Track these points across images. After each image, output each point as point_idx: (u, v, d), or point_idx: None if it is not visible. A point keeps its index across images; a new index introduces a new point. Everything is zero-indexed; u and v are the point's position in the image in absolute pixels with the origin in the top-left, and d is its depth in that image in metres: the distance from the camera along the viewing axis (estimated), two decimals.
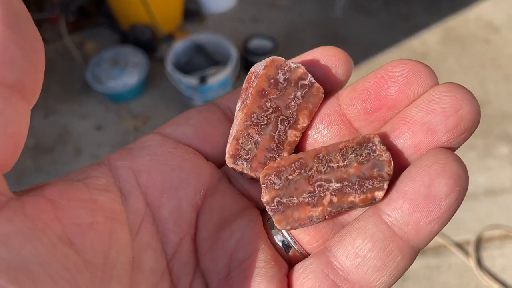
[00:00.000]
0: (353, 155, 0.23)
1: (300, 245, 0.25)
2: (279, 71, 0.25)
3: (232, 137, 0.25)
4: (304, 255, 0.25)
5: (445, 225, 0.21)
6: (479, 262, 0.88)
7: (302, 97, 0.25)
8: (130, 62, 1.17)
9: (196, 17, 1.33)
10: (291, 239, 0.25)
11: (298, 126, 0.25)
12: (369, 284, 0.22)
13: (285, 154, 0.25)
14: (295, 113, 0.25)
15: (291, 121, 0.25)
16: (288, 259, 0.25)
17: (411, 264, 0.22)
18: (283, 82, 0.25)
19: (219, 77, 1.10)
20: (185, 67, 1.13)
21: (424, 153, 0.22)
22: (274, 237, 0.25)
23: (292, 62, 0.25)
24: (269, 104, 0.25)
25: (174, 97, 1.16)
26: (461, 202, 0.21)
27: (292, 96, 0.25)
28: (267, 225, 0.26)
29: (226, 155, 0.25)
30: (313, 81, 0.25)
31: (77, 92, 1.20)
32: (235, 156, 0.25)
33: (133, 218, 0.22)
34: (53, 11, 1.27)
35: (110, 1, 1.22)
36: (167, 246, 0.23)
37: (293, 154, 0.24)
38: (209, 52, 1.17)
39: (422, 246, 0.21)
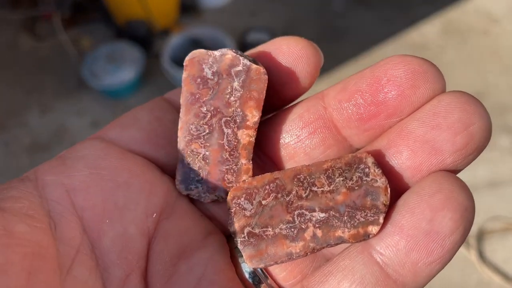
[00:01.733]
0: (341, 178, 0.19)
1: (273, 281, 0.21)
2: (204, 66, 0.20)
3: (178, 160, 0.21)
4: None
5: (445, 266, 0.17)
6: (481, 255, 0.87)
7: (242, 87, 0.20)
8: (126, 57, 1.16)
9: (193, 11, 1.31)
10: (263, 274, 0.21)
11: (247, 123, 0.20)
12: None
13: (243, 161, 0.21)
14: (239, 109, 0.20)
15: (238, 120, 0.20)
16: None
17: None
18: (212, 77, 0.20)
19: None
20: (182, 62, 1.12)
21: (424, 178, 0.18)
22: (243, 269, 0.21)
23: (218, 50, 0.20)
24: (205, 108, 0.20)
25: None
26: (465, 239, 0.17)
27: (229, 90, 0.20)
28: (234, 252, 0.21)
29: (176, 182, 0.21)
30: (248, 63, 0.20)
31: (73, 89, 1.19)
32: (186, 181, 0.21)
33: (65, 250, 0.17)
34: (48, 7, 1.25)
35: None
36: (110, 284, 0.18)
37: (267, 173, 0.20)
38: (206, 47, 1.16)
39: None
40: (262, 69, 0.20)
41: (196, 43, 1.16)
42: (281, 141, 0.21)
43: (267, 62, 0.21)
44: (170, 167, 0.22)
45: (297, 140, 0.21)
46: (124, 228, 0.19)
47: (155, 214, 0.20)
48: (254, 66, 0.20)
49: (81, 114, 1.15)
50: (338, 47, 1.22)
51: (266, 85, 0.20)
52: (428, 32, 1.25)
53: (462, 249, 0.88)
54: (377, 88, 0.19)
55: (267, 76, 0.20)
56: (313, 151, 0.21)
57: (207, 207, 0.22)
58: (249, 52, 0.22)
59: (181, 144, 0.21)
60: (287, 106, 0.22)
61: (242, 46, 1.18)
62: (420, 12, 1.30)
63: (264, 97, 0.20)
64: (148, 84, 1.19)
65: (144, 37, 1.19)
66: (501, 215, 0.91)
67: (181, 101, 0.20)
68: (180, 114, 0.21)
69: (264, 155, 0.22)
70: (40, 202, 0.18)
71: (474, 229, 0.89)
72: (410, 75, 0.18)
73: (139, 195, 0.19)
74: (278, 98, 0.21)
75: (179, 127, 0.21)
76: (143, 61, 1.15)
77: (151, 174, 0.20)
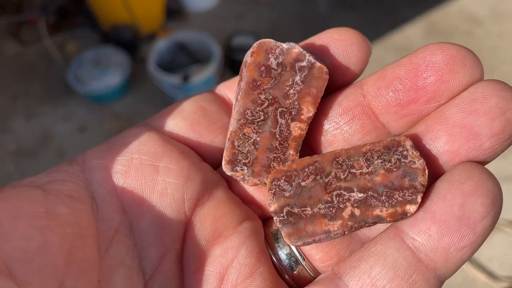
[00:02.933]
0: (380, 160, 0.19)
1: (309, 262, 0.21)
2: (270, 56, 0.21)
3: (227, 140, 0.21)
4: (314, 274, 0.21)
5: (475, 252, 0.18)
6: None
7: (302, 81, 0.21)
8: (112, 62, 1.15)
9: (178, 16, 1.31)
10: (300, 255, 0.21)
11: (302, 117, 0.21)
12: None
13: (291, 152, 0.21)
14: (296, 102, 0.21)
15: (293, 112, 0.21)
16: (292, 277, 0.21)
17: None
18: (276, 67, 0.21)
19: (202, 76, 1.09)
20: (167, 66, 1.12)
21: (453, 167, 0.18)
22: (279, 251, 0.22)
23: (285, 43, 0.21)
24: (264, 96, 0.21)
25: (157, 97, 1.15)
26: (494, 226, 0.18)
27: (290, 83, 0.21)
28: (271, 236, 0.22)
29: (223, 162, 0.21)
30: (313, 60, 0.21)
31: (59, 94, 1.19)
32: (233, 162, 0.21)
33: (104, 230, 0.18)
34: (32, 12, 1.25)
35: (90, 1, 1.21)
36: (146, 263, 0.19)
37: (307, 157, 0.21)
38: (191, 51, 1.16)
39: (448, 276, 0.18)
40: (325, 69, 0.20)
41: (181, 47, 1.16)
42: (321, 127, 0.22)
43: (320, 49, 0.21)
44: (211, 155, 0.22)
45: (336, 127, 0.21)
46: (162, 211, 0.20)
47: (192, 199, 0.20)
48: (318, 64, 0.20)
49: (67, 119, 1.15)
50: None
51: (325, 84, 0.21)
52: (412, 34, 1.27)
53: None
54: (416, 74, 0.19)
55: (328, 76, 0.21)
56: (352, 137, 0.21)
57: (248, 191, 0.23)
58: (301, 44, 0.22)
59: (234, 126, 0.21)
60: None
61: (228, 50, 1.19)
62: (404, 14, 1.31)
63: (321, 95, 0.21)
64: (135, 89, 1.19)
65: (129, 41, 1.19)
66: None
67: (242, 84, 0.21)
68: (238, 96, 0.21)
69: (303, 142, 0.22)
70: (85, 184, 0.19)
71: None
72: (449, 60, 0.19)
73: (177, 180, 0.20)
74: (331, 84, 0.22)
75: (235, 109, 0.21)
76: (129, 66, 1.15)
77: (190, 161, 0.21)
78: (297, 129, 0.21)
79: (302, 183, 0.20)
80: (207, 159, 0.22)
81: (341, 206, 0.19)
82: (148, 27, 1.23)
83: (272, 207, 0.20)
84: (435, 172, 0.19)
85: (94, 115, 1.14)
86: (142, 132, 0.21)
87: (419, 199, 0.18)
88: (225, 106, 0.23)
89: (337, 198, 0.19)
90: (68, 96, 1.17)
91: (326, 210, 0.19)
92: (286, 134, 0.21)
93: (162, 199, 0.20)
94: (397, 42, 1.24)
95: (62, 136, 1.12)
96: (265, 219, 0.23)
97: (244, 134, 0.21)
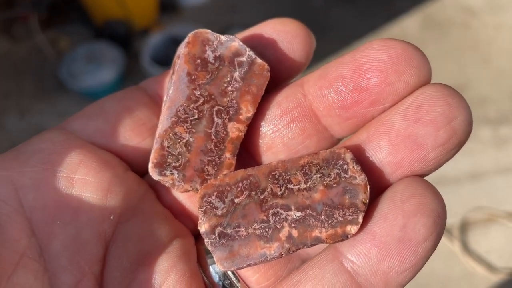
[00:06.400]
0: (319, 175, 0.18)
1: (245, 284, 0.20)
2: (207, 48, 0.19)
3: (155, 140, 0.19)
4: None
5: (416, 274, 0.17)
6: (464, 246, 0.88)
7: (242, 78, 0.19)
8: (105, 58, 1.14)
9: (172, 10, 1.30)
10: (235, 276, 0.20)
11: (240, 117, 0.19)
12: None
13: (227, 155, 0.20)
14: (234, 101, 0.19)
15: (231, 112, 0.19)
16: None
17: None
18: (213, 61, 0.19)
19: None
20: (162, 61, 1.11)
21: (396, 183, 0.17)
22: (213, 271, 0.20)
23: (224, 35, 0.20)
24: (199, 92, 0.19)
25: None
26: (436, 247, 0.17)
27: (228, 79, 0.19)
28: (204, 254, 0.20)
29: (149, 165, 0.19)
30: (254, 56, 0.19)
31: (52, 91, 1.17)
32: (161, 165, 0.19)
33: (7, 255, 0.16)
34: (24, 8, 1.23)
35: None
36: None
37: (240, 170, 0.19)
38: None
39: None
40: (266, 66, 0.19)
41: (176, 42, 1.15)
42: (259, 130, 0.20)
43: (262, 41, 0.20)
44: (138, 161, 0.20)
45: (274, 130, 0.20)
46: (77, 231, 0.18)
47: (113, 216, 0.18)
48: (258, 60, 0.19)
49: (60, 116, 1.13)
50: (319, 43, 1.21)
51: (266, 82, 0.19)
52: (408, 26, 1.26)
53: (445, 241, 0.88)
54: (359, 74, 0.18)
55: (269, 74, 0.19)
56: (292, 141, 0.20)
57: (180, 201, 0.21)
58: (241, 34, 0.21)
59: (164, 125, 0.19)
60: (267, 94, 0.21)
61: None
62: (400, 6, 1.30)
63: (262, 94, 0.20)
64: (129, 84, 1.17)
65: (123, 36, 1.18)
66: (484, 205, 0.92)
67: (174, 77, 0.19)
68: (170, 91, 0.19)
69: (240, 146, 0.21)
70: None
71: (457, 220, 0.90)
72: (394, 59, 0.17)
73: (96, 194, 0.18)
74: (272, 79, 0.20)
75: (165, 106, 0.19)
76: (123, 61, 1.13)
77: (112, 171, 0.19)
78: (235, 130, 0.20)
79: (236, 200, 0.18)
80: (134, 166, 0.20)
81: (278, 226, 0.18)
82: (141, 22, 1.22)
83: (202, 228, 0.18)
84: (378, 185, 0.18)
85: None
86: (55, 138, 0.19)
87: (360, 219, 0.17)
88: (154, 104, 0.21)
89: (273, 217, 0.18)
90: (62, 92, 1.16)
91: (261, 231, 0.18)
92: (223, 135, 0.19)
93: (77, 217, 0.18)
94: (393, 35, 1.24)
95: None
96: (198, 233, 0.21)
97: (176, 133, 0.19)
